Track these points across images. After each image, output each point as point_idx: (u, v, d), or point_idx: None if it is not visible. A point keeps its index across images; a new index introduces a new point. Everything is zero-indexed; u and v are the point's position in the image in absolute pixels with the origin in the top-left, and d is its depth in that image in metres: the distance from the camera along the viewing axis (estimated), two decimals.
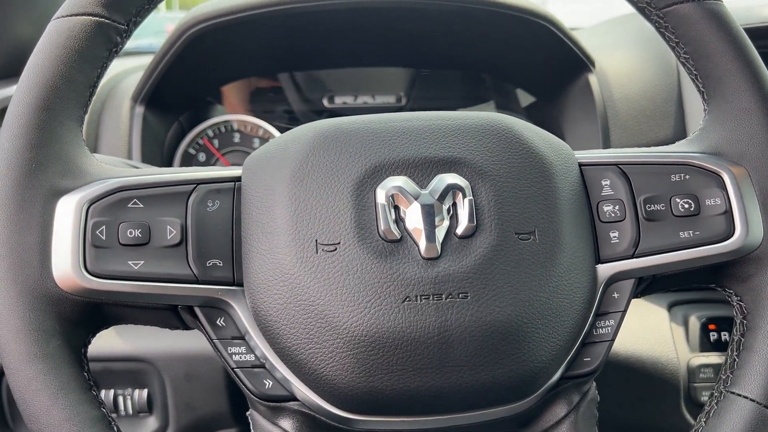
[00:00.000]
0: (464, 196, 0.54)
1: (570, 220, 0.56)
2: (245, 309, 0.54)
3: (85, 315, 0.55)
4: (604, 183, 0.59)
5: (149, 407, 0.98)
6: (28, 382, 0.50)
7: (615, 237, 0.57)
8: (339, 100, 1.16)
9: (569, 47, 1.02)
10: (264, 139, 1.14)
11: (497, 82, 1.17)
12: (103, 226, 0.54)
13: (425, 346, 0.50)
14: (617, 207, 0.57)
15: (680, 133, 1.03)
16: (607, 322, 0.56)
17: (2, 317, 0.52)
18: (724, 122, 0.59)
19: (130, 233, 0.54)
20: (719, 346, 0.99)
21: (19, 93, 0.55)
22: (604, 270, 0.56)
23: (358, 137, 0.57)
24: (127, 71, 1.12)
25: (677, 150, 0.61)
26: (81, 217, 0.54)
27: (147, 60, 1.08)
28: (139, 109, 1.02)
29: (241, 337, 0.55)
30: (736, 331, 0.59)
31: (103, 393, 0.99)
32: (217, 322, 0.56)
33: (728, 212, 0.56)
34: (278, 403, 0.54)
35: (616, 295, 0.56)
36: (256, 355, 0.55)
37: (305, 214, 0.54)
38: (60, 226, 0.53)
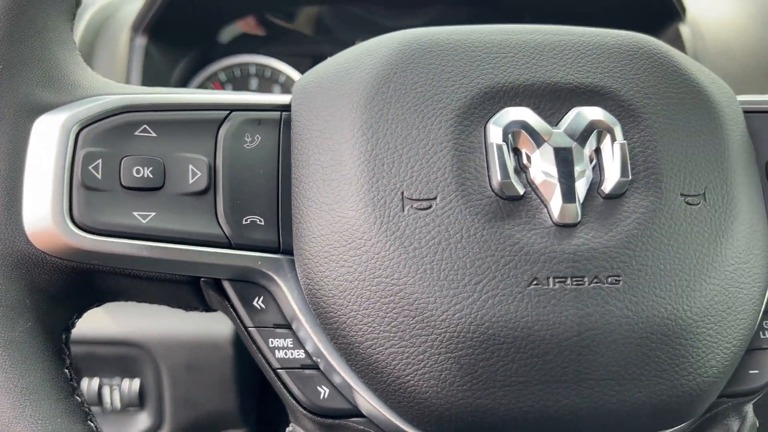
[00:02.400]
0: (613, 140, 0.38)
1: (743, 180, 0.44)
2: (294, 286, 0.42)
3: (69, 286, 0.41)
4: None
5: (141, 401, 0.88)
6: None
7: None
8: None
9: None
10: (286, 87, 0.98)
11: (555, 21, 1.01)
12: (99, 160, 0.40)
13: (559, 350, 0.38)
14: None
15: None
16: None
17: None
18: None
19: (138, 172, 0.41)
20: None
21: None
22: None
23: (461, 51, 0.42)
24: None
25: None
26: (68, 144, 0.40)
27: None
28: (141, 41, 0.86)
29: (287, 326, 0.42)
30: None
31: (85, 382, 0.89)
32: (255, 303, 0.42)
33: None
34: (335, 419, 0.42)
35: None
36: (306, 351, 0.42)
37: (386, 155, 0.39)
38: (36, 155, 0.40)
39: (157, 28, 0.87)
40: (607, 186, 0.40)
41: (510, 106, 0.41)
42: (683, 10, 0.91)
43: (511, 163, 0.39)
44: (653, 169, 0.41)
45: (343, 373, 0.40)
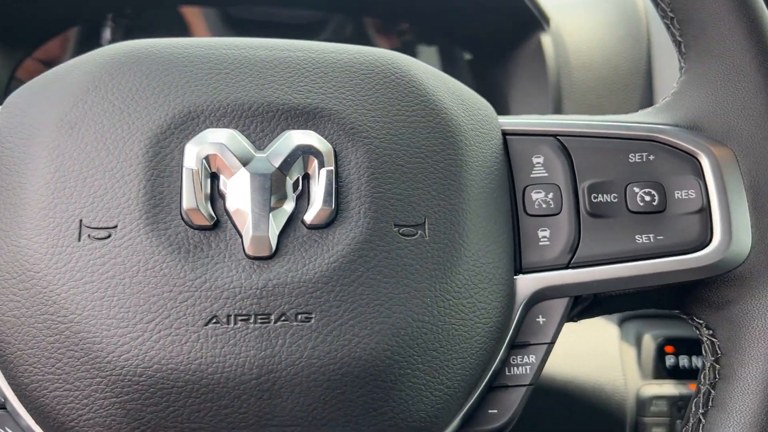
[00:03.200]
0: (321, 166, 0.35)
1: (480, 209, 0.41)
2: None
3: None
4: (535, 160, 0.44)
5: None
6: None
7: (545, 238, 0.43)
8: None
9: None
10: None
11: (421, 34, 0.99)
12: None
13: (237, 393, 0.35)
14: (551, 195, 0.43)
15: None
16: (525, 358, 0.43)
17: None
18: (707, 85, 0.45)
19: None
20: (676, 374, 0.85)
21: None
22: (527, 283, 0.43)
23: (168, 66, 0.40)
24: None
25: (640, 120, 0.46)
26: None
27: None
28: None
29: None
30: (705, 378, 0.44)
31: None
32: None
33: (705, 211, 0.43)
34: None
35: (541, 319, 0.43)
36: None
37: (69, 178, 0.36)
38: None
39: None
40: (309, 216, 0.37)
41: (214, 126, 0.38)
42: (546, 20, 0.89)
43: (203, 190, 0.37)
44: (367, 198, 0.38)
45: (24, 416, 0.37)
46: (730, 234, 0.42)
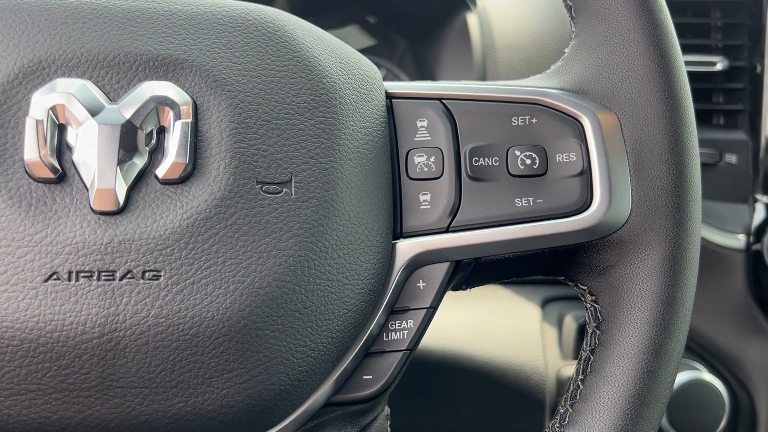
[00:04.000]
0: (177, 118, 0.34)
1: (356, 170, 0.40)
2: None
3: None
4: (419, 124, 0.44)
5: None
6: None
7: (426, 202, 0.42)
8: None
9: None
10: None
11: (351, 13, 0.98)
12: None
13: (78, 353, 0.34)
14: (433, 159, 0.42)
15: None
16: (404, 323, 0.42)
17: None
18: (594, 49, 0.44)
19: None
20: None
21: None
22: (406, 247, 0.42)
23: (21, 15, 0.39)
24: None
25: (526, 84, 0.45)
26: None
27: None
28: None
29: None
30: (587, 345, 0.43)
31: None
32: None
33: (585, 174, 0.42)
34: None
35: (421, 284, 0.42)
36: None
37: None
38: None
39: None
40: (162, 169, 0.36)
41: (66, 76, 0.36)
42: (472, 0, 0.89)
43: (47, 141, 0.35)
44: (227, 153, 0.36)
45: None
46: (610, 197, 0.41)
